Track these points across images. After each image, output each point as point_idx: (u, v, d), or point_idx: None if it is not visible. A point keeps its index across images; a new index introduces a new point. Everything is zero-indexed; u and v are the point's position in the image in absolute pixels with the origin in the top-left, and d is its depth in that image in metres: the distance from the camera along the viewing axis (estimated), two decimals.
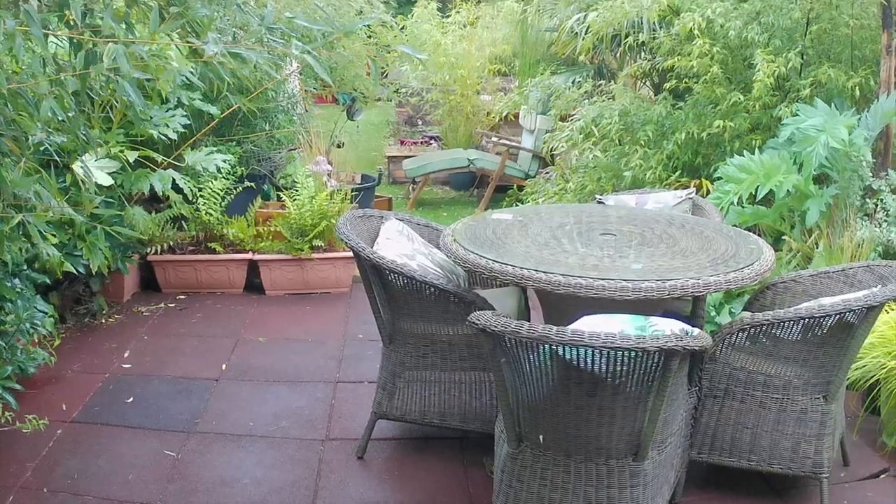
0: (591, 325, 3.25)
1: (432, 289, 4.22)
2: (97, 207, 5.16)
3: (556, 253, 4.11)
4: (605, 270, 3.84)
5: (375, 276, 4.40)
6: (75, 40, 2.83)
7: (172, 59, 2.99)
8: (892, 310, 4.86)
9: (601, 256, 4.09)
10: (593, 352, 3.08)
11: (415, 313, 4.37)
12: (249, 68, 2.84)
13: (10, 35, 2.57)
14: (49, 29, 2.80)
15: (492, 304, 4.24)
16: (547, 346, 3.13)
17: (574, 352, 3.10)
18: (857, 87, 6.60)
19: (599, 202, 5.59)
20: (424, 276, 4.24)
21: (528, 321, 4.83)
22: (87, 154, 5.15)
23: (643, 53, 8.20)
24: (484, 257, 4.01)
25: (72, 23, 2.79)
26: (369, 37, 10.16)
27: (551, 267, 3.85)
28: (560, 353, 3.13)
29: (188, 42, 2.77)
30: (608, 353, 3.07)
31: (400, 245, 4.65)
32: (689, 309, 4.62)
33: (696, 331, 3.28)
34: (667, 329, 3.24)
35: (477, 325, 3.21)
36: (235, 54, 2.66)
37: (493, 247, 4.19)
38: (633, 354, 3.07)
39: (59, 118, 2.99)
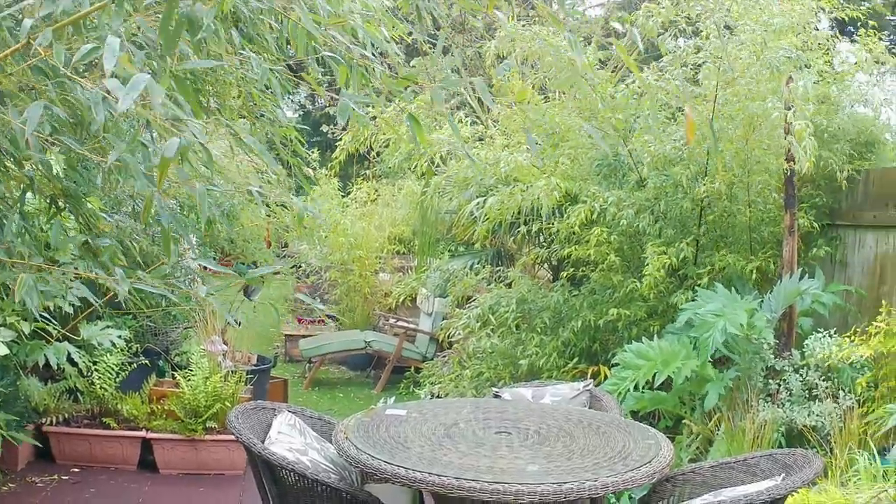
0: None
1: (324, 486, 4.10)
2: None
3: (450, 453, 4.01)
4: (500, 473, 3.74)
5: (267, 471, 4.29)
6: None
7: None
8: (798, 492, 4.81)
9: (496, 457, 3.99)
10: None
11: None
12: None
13: None
14: None
15: (384, 502, 4.12)
16: None
17: None
18: (754, 271, 6.71)
19: (496, 395, 5.52)
20: (316, 474, 4.14)
21: None
22: None
23: (541, 238, 8.29)
24: (376, 458, 3.90)
25: None
26: (268, 216, 10.16)
27: (444, 469, 3.75)
28: None
29: (97, 275, 2.73)
30: None
31: (292, 439, 4.54)
32: (588, 503, 4.53)
33: None
34: None
35: None
36: (140, 290, 2.65)
37: (386, 447, 4.08)
38: None
39: None
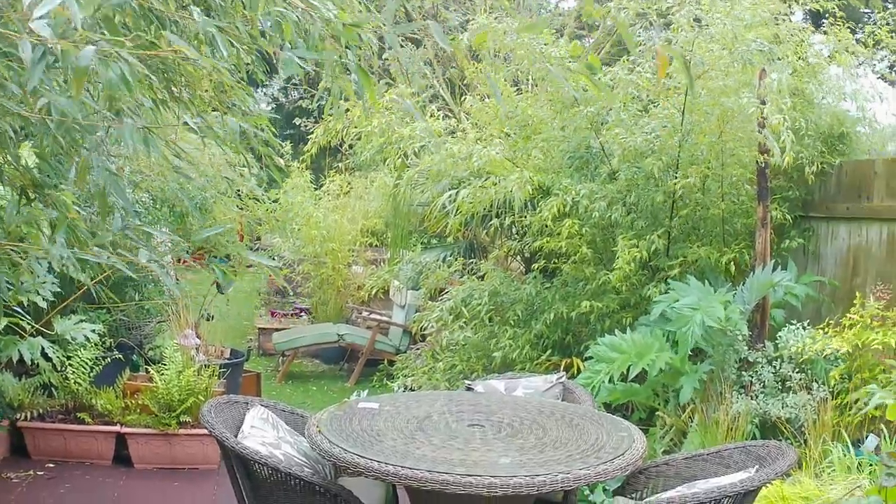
0: None
1: (297, 480, 4.08)
2: None
3: (423, 446, 4.00)
4: (472, 465, 3.73)
5: (240, 465, 4.27)
6: None
7: None
8: (772, 484, 4.81)
9: (469, 450, 3.98)
10: None
11: None
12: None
13: None
14: None
15: (358, 496, 4.12)
16: None
17: None
18: (731, 263, 6.71)
19: (469, 388, 5.50)
20: (289, 468, 4.12)
21: None
22: None
23: (514, 231, 8.28)
24: (349, 452, 3.88)
25: None
26: (241, 209, 10.11)
27: (417, 462, 3.73)
28: None
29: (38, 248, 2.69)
30: None
31: (265, 433, 4.52)
32: (561, 495, 4.54)
33: None
34: None
35: None
36: (83, 260, 2.60)
37: (359, 440, 4.06)
38: None
39: None
